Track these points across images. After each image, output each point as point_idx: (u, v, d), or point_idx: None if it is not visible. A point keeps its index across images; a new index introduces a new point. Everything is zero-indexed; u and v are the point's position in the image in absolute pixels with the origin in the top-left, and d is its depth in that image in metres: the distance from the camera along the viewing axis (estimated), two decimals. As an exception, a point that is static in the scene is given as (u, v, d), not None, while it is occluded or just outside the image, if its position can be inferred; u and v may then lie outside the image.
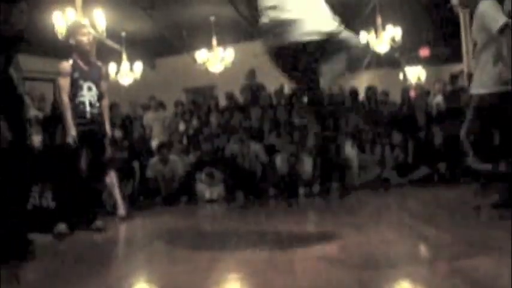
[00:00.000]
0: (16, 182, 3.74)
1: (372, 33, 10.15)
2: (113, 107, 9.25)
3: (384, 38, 10.14)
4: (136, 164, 8.05)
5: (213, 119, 9.23)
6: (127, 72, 11.33)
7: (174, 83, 12.98)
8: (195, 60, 11.28)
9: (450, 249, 3.19)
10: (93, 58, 5.42)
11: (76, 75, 5.11)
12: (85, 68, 5.19)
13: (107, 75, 5.56)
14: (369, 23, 10.34)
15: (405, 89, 9.68)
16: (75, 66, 5.13)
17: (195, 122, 9.43)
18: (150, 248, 4.35)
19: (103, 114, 5.32)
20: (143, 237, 5.15)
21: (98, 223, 5.17)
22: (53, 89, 11.60)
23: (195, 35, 11.32)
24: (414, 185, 7.25)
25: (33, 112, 7.15)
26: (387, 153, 7.78)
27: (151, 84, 11.91)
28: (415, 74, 14.56)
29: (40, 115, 7.43)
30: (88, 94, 5.15)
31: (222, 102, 10.21)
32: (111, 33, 8.45)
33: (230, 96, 9.88)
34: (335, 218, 5.02)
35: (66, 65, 5.13)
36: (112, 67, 11.25)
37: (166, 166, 7.91)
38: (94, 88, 5.20)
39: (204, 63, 11.14)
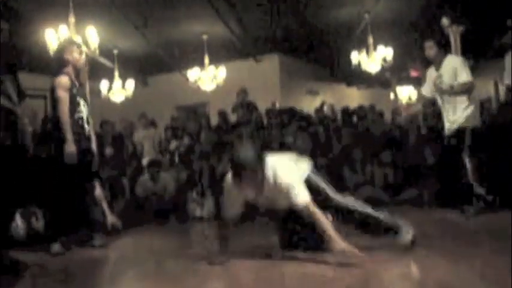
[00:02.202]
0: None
1: (363, 53, 10.22)
2: (104, 124, 9.25)
3: (375, 58, 10.21)
4: (125, 181, 8.02)
5: (205, 137, 9.22)
6: (119, 90, 11.31)
7: (166, 101, 12.99)
8: (187, 78, 11.29)
9: (439, 269, 3.18)
10: (81, 76, 5.35)
11: (74, 91, 5.03)
12: (78, 85, 5.14)
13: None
14: (360, 43, 10.42)
15: (396, 109, 9.72)
16: (72, 82, 5.04)
17: (186, 140, 9.42)
18: (139, 266, 4.31)
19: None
20: (133, 255, 5.10)
21: (98, 240, 5.17)
22: (44, 106, 11.63)
23: (187, 53, 11.35)
24: (403, 206, 7.23)
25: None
26: (377, 173, 7.78)
27: (143, 101, 11.91)
28: (406, 94, 14.66)
29: (30, 131, 7.38)
30: (84, 110, 5.08)
31: (214, 120, 10.22)
32: (104, 51, 8.46)
33: (222, 114, 9.90)
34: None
35: (66, 79, 4.99)
36: (104, 84, 11.24)
37: (157, 184, 7.88)
38: (86, 105, 5.14)
39: (196, 82, 11.16)
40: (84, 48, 5.70)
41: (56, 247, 4.86)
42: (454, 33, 7.95)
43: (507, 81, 5.69)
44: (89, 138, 5.13)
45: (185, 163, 8.68)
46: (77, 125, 4.98)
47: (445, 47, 6.03)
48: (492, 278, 2.80)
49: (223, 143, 8.59)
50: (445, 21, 7.61)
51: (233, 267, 3.76)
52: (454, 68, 5.68)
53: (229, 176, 3.77)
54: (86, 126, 5.07)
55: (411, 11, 10.10)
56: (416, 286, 2.89)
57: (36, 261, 4.48)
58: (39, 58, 8.64)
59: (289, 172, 3.73)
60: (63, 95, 4.91)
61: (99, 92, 11.15)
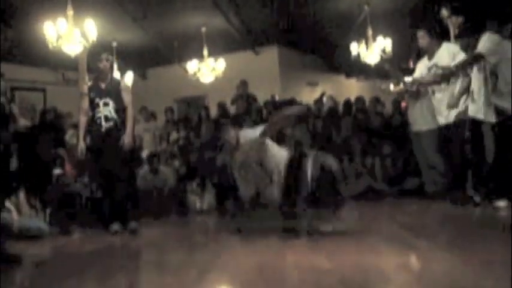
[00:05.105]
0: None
1: (363, 44, 10.19)
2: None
3: (374, 49, 10.18)
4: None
5: (204, 129, 9.21)
6: (118, 82, 11.29)
7: (165, 93, 12.96)
8: (186, 71, 11.27)
9: (440, 260, 3.19)
10: (109, 76, 5.99)
11: (92, 95, 5.75)
12: (103, 87, 5.79)
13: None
14: (359, 35, 10.39)
15: (396, 99, 9.69)
16: (93, 87, 5.83)
17: (182, 133, 9.40)
18: (138, 259, 4.32)
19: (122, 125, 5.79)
20: (133, 248, 5.11)
21: (132, 224, 5.60)
22: (43, 98, 11.63)
23: (186, 45, 11.32)
24: (403, 196, 7.23)
25: (22, 122, 7.13)
26: (377, 164, 7.78)
27: (142, 94, 11.89)
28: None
29: (28, 124, 7.40)
30: (103, 110, 5.69)
31: (213, 112, 10.21)
32: (102, 43, 8.43)
33: (222, 107, 9.88)
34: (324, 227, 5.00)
35: (85, 87, 5.90)
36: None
37: (157, 177, 7.88)
38: (111, 104, 5.70)
39: (195, 74, 11.13)
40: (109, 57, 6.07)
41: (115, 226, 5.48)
42: (453, 24, 7.93)
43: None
44: (105, 135, 5.67)
45: (184, 155, 8.67)
46: (96, 124, 5.69)
47: (441, 37, 6.10)
48: (493, 270, 2.80)
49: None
50: (444, 12, 7.59)
51: (231, 258, 3.77)
52: (451, 56, 5.78)
53: None
54: (104, 124, 5.66)
55: (410, 1, 10.06)
56: (415, 278, 2.89)
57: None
58: (37, 51, 8.64)
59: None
60: (82, 101, 5.83)
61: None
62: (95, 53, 6.43)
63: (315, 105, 9.97)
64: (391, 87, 7.60)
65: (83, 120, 5.80)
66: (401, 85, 6.64)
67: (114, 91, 5.79)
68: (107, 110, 5.70)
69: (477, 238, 3.90)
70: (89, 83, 5.93)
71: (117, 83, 5.97)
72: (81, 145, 5.70)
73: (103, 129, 5.68)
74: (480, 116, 5.26)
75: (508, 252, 2.92)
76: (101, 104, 5.70)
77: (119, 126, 5.72)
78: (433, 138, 6.37)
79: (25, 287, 3.50)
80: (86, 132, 5.76)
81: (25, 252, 4.41)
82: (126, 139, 5.67)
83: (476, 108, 5.29)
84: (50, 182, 6.45)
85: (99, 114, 5.69)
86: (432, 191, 6.45)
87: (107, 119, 5.69)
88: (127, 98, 5.85)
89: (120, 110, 5.76)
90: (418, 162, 6.82)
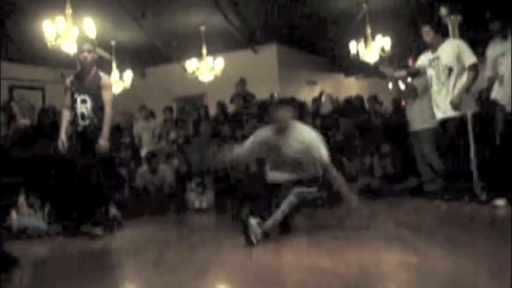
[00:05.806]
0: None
1: (362, 43, 10.19)
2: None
3: (373, 48, 10.18)
4: (124, 172, 8.02)
5: (203, 127, 9.20)
6: (117, 81, 11.28)
7: (164, 92, 12.94)
8: (185, 69, 11.26)
9: (439, 259, 3.19)
10: (93, 70, 5.57)
11: (73, 88, 5.48)
12: (86, 82, 5.48)
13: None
14: (358, 33, 10.39)
15: (396, 98, 9.69)
16: (74, 80, 5.55)
17: (181, 133, 9.40)
18: (137, 258, 4.31)
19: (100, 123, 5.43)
20: (131, 246, 5.11)
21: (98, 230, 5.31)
22: (42, 97, 11.61)
23: (185, 44, 11.32)
24: (402, 195, 7.21)
25: (21, 121, 7.12)
26: (376, 162, 7.76)
27: (141, 93, 11.88)
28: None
29: (27, 123, 7.39)
30: (80, 106, 5.40)
31: (212, 111, 10.21)
32: (101, 42, 8.42)
33: (221, 105, 9.87)
34: (324, 227, 5.00)
35: (67, 80, 5.59)
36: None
37: (155, 175, 7.87)
38: (90, 101, 5.39)
39: (194, 72, 11.12)
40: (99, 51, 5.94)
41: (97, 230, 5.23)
42: (452, 23, 7.95)
43: (488, 73, 5.67)
44: (79, 135, 5.42)
45: (184, 154, 8.66)
46: (74, 121, 5.43)
47: (442, 33, 6.12)
48: (492, 268, 2.81)
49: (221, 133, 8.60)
50: (443, 10, 7.61)
51: (230, 257, 3.77)
52: (455, 51, 5.73)
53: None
54: (80, 122, 5.37)
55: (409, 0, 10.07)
56: (415, 276, 2.89)
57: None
58: (36, 50, 8.63)
59: (315, 134, 4.54)
60: (66, 96, 5.54)
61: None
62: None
63: (314, 103, 9.97)
64: (390, 85, 7.62)
65: (65, 114, 5.48)
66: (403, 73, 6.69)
67: (94, 88, 5.46)
68: (83, 107, 5.39)
69: (476, 237, 3.91)
70: (71, 77, 5.61)
71: (98, 79, 5.52)
72: (62, 138, 5.37)
73: (79, 128, 5.40)
74: (504, 101, 5.33)
75: (507, 251, 2.92)
76: (78, 100, 5.41)
77: (96, 126, 5.38)
78: (431, 137, 6.37)
79: (25, 286, 3.50)
80: (68, 125, 5.46)
81: (24, 252, 4.42)
82: (102, 142, 5.33)
83: (503, 93, 5.36)
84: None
85: (75, 111, 5.40)
86: (431, 189, 6.45)
87: (83, 117, 5.39)
88: (106, 96, 5.48)
89: (99, 108, 5.42)
90: (416, 161, 6.82)
